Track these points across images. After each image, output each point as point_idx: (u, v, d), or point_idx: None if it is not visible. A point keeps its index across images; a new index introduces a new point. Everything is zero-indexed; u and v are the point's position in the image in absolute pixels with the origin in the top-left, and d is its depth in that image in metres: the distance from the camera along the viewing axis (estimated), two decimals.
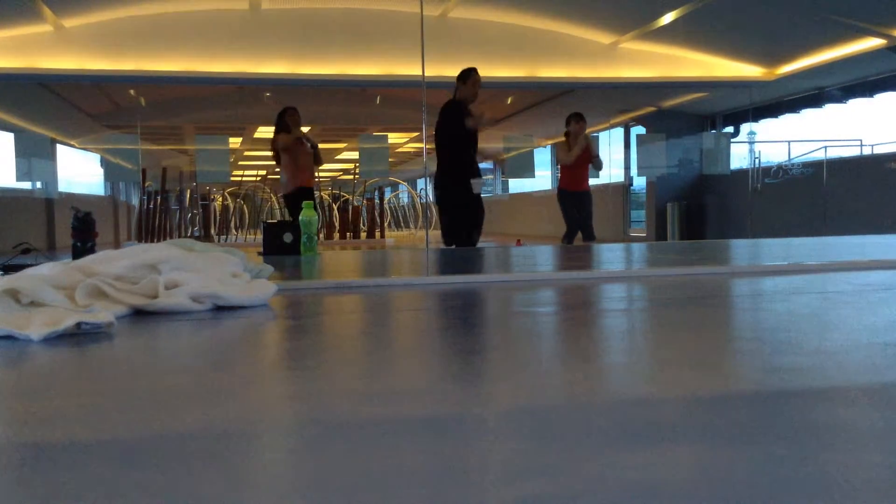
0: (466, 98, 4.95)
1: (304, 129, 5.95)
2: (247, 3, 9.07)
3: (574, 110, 6.79)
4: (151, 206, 11.86)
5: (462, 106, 4.91)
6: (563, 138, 6.62)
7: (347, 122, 13.66)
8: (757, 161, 11.65)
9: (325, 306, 1.53)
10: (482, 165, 5.17)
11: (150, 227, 11.72)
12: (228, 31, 9.30)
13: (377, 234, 13.06)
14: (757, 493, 0.47)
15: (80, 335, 1.11)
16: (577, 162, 6.46)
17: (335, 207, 13.94)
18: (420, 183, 19.59)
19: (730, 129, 12.78)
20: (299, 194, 5.40)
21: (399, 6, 8.64)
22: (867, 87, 10.33)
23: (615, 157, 13.94)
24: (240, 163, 18.76)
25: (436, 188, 4.99)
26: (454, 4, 9.07)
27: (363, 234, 13.21)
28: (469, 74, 4.99)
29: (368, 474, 0.52)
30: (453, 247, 4.80)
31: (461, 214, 4.89)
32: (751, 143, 12.16)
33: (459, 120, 4.84)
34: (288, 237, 3.05)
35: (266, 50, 9.42)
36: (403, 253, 4.64)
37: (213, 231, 13.28)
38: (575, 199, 6.54)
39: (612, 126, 13.72)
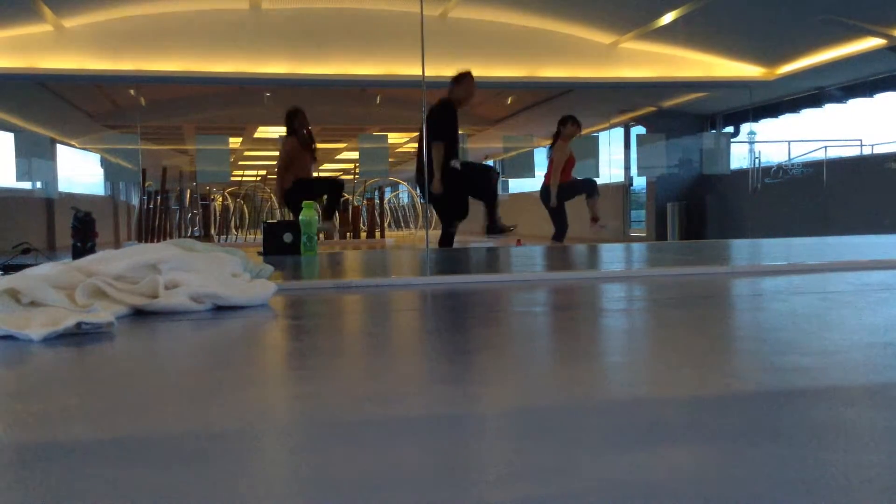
0: (458, 99, 4.97)
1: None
2: (247, 3, 9.07)
3: (573, 111, 6.76)
4: (151, 206, 11.86)
5: (452, 107, 4.92)
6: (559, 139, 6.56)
7: (347, 122, 13.65)
8: (757, 161, 11.65)
9: (324, 306, 1.53)
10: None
11: (150, 227, 11.71)
12: (228, 31, 9.29)
13: (377, 234, 13.06)
14: (757, 493, 0.47)
15: (80, 335, 1.11)
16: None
17: None
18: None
19: (730, 129, 12.77)
20: (298, 187, 5.49)
21: (399, 6, 8.64)
22: (867, 87, 10.33)
23: (615, 157, 13.94)
24: (240, 163, 18.75)
25: (422, 183, 5.03)
26: (454, 4, 9.07)
27: (363, 234, 13.21)
28: (464, 78, 5.01)
29: (368, 474, 0.52)
30: (454, 229, 4.87)
31: (449, 200, 4.91)
32: (751, 143, 12.15)
33: (450, 120, 4.86)
34: (288, 237, 3.05)
35: (266, 50, 9.42)
36: (403, 253, 4.64)
37: (213, 231, 13.28)
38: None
39: (612, 126, 13.71)
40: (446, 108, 4.92)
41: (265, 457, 0.59)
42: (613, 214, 13.42)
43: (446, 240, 4.96)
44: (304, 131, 5.77)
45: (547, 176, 6.66)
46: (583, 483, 0.50)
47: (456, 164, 4.89)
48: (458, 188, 4.93)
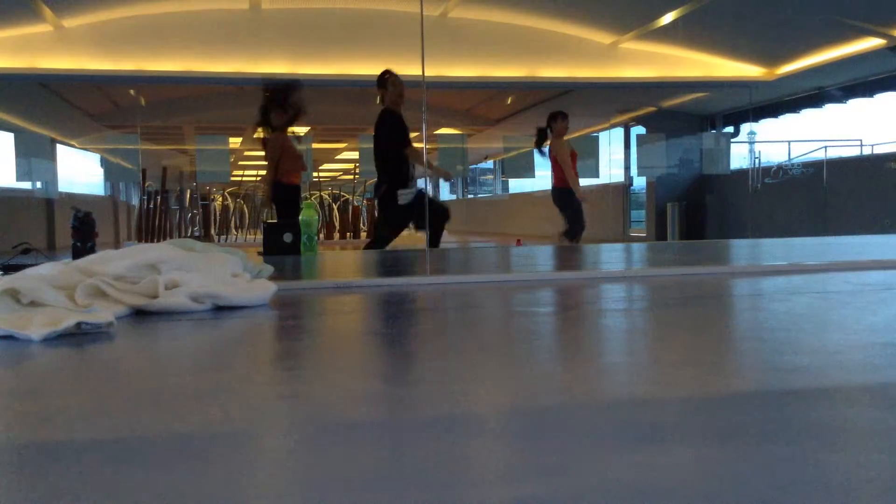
0: (395, 102, 4.88)
1: (304, 129, 5.85)
2: (247, 3, 9.07)
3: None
4: (151, 206, 11.86)
5: (396, 114, 4.85)
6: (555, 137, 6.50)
7: (347, 122, 13.65)
8: (757, 161, 11.65)
9: (324, 306, 1.53)
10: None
11: (150, 227, 11.72)
12: (228, 31, 9.29)
13: None
14: (757, 493, 0.47)
15: (80, 335, 1.11)
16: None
17: (335, 207, 13.93)
18: (419, 183, 19.51)
19: (730, 129, 12.78)
20: (285, 189, 5.42)
21: (399, 6, 8.64)
22: (867, 87, 10.33)
23: (615, 157, 13.94)
24: (240, 163, 18.76)
25: (376, 192, 5.05)
26: (454, 4, 9.06)
27: (363, 234, 13.21)
28: (385, 78, 4.85)
29: (367, 474, 0.52)
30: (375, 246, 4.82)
31: (392, 220, 4.89)
32: (751, 143, 12.16)
33: (397, 129, 4.81)
34: (288, 237, 3.05)
35: (266, 50, 9.42)
36: (403, 253, 4.63)
37: (213, 231, 13.28)
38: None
39: (612, 126, 13.71)
40: (391, 116, 4.84)
41: (264, 457, 0.59)
42: (613, 214, 13.43)
43: (378, 244, 4.89)
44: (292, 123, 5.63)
45: (558, 178, 6.57)
46: (583, 483, 0.50)
47: (403, 196, 4.80)
48: (403, 217, 4.83)
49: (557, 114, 6.58)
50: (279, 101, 5.34)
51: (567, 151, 6.51)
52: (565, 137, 6.64)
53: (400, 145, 4.77)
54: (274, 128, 5.45)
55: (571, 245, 5.52)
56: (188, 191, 13.40)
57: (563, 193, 6.53)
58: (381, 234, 5.00)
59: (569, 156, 6.49)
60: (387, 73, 4.87)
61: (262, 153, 5.67)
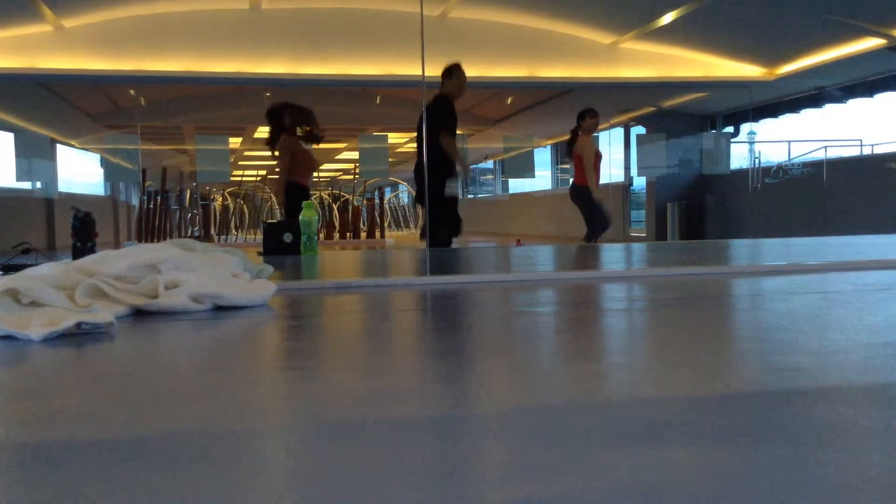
0: (452, 94, 4.91)
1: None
2: (247, 3, 9.07)
3: (573, 110, 6.74)
4: (151, 206, 11.86)
5: (450, 102, 4.87)
6: (578, 135, 6.46)
7: (347, 122, 13.66)
8: (757, 161, 11.66)
9: (324, 306, 1.53)
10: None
11: (150, 227, 11.72)
12: (228, 31, 9.30)
13: (377, 234, 13.07)
14: (757, 493, 0.47)
15: (80, 335, 1.11)
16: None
17: (335, 207, 13.95)
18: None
19: (730, 129, 12.78)
20: (298, 189, 5.42)
21: (399, 6, 8.64)
22: (867, 87, 10.33)
23: (615, 156, 13.95)
24: (240, 163, 18.77)
25: (423, 184, 4.93)
26: (454, 4, 9.07)
27: (363, 234, 13.22)
28: (454, 70, 4.93)
29: (367, 474, 0.52)
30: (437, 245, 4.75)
31: (446, 214, 4.85)
32: (751, 143, 12.16)
33: (451, 115, 4.81)
34: (288, 237, 3.05)
35: (266, 50, 9.43)
36: (403, 253, 4.64)
37: (213, 231, 13.28)
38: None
39: (612, 126, 13.71)
40: (446, 103, 4.87)
41: (265, 457, 0.59)
42: (614, 215, 13.43)
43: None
44: (302, 127, 5.59)
45: (579, 176, 6.50)
46: (583, 483, 0.50)
47: (451, 187, 4.81)
48: (453, 208, 4.85)
49: (587, 111, 6.53)
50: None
51: (593, 150, 6.46)
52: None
53: (444, 131, 4.75)
54: (284, 128, 5.42)
55: (565, 246, 5.51)
56: (188, 191, 13.41)
57: (581, 191, 6.47)
58: (441, 236, 4.79)
59: (593, 154, 6.44)
60: (457, 65, 4.95)
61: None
